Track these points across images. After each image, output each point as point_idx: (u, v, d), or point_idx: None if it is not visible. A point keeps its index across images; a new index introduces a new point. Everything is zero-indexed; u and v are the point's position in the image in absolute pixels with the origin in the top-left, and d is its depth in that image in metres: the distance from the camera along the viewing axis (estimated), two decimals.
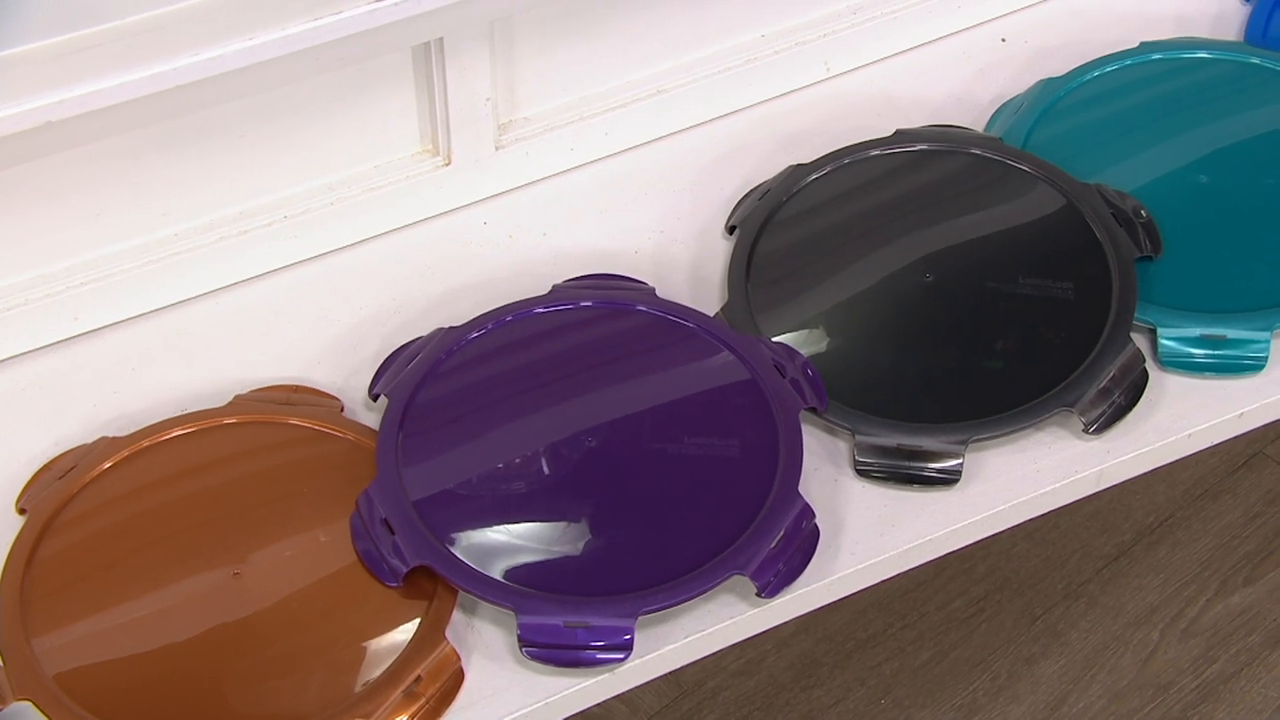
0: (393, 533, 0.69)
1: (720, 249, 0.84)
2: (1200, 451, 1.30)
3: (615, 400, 0.73)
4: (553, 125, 0.85)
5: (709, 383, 0.75)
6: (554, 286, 0.80)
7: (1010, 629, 1.20)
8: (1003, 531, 0.74)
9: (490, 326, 0.75)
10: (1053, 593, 1.24)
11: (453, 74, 0.78)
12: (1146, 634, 1.20)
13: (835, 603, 1.27)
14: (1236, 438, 1.33)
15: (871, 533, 0.73)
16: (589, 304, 0.76)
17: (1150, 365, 0.77)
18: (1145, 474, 1.31)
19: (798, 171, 0.84)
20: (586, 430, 0.72)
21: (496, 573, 0.68)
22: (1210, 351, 0.76)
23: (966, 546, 0.73)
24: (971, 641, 1.19)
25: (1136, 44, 0.89)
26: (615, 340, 0.76)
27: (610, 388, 0.74)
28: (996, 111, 0.88)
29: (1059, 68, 0.90)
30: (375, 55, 0.76)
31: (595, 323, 0.76)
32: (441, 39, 0.77)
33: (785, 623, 1.23)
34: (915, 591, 1.23)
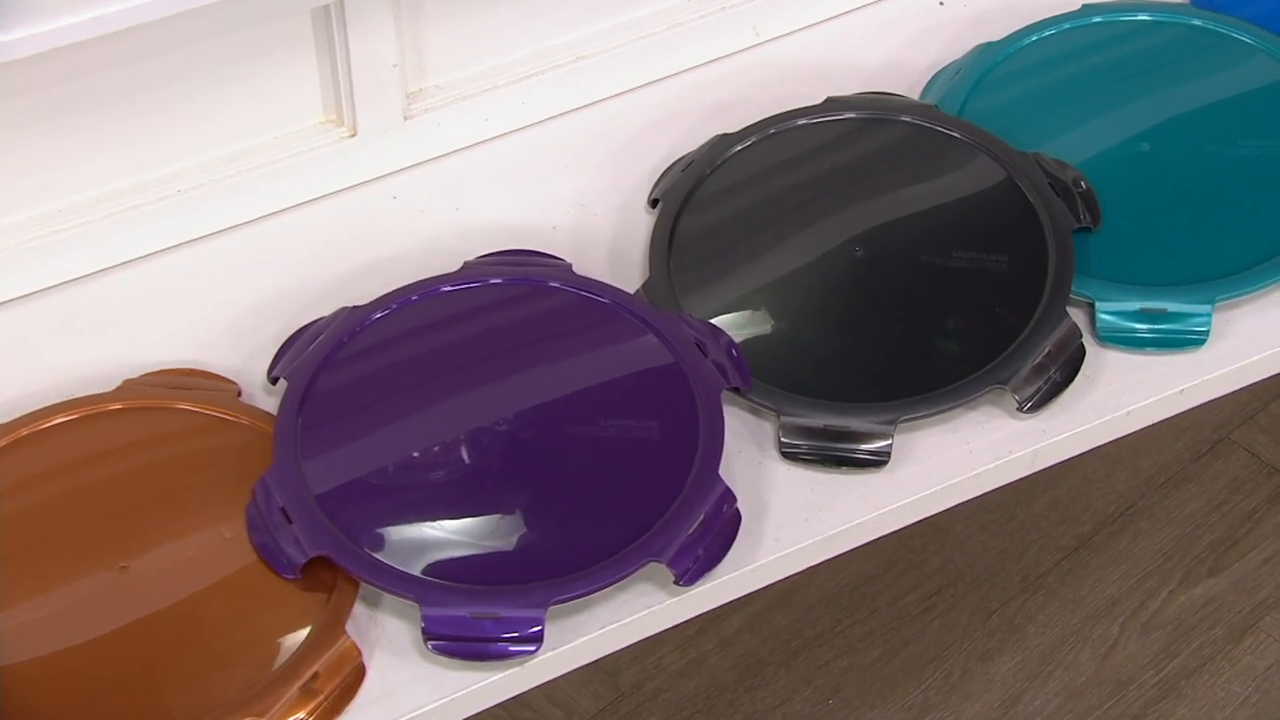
0: (290, 522, 0.70)
1: (643, 224, 0.85)
2: (1161, 436, 1.35)
3: (527, 382, 0.75)
4: (465, 94, 0.86)
5: (627, 363, 0.76)
6: (465, 263, 0.81)
7: (964, 624, 1.22)
8: (936, 515, 0.76)
9: (395, 306, 0.76)
10: (1009, 586, 1.26)
11: (355, 39, 0.79)
12: (1106, 628, 1.22)
13: (781, 599, 1.28)
14: (1202, 422, 1.39)
15: (797, 517, 0.74)
16: (499, 281, 0.77)
17: (1088, 341, 0.79)
18: (1107, 461, 1.36)
19: (723, 142, 0.86)
20: (495, 414, 0.73)
21: (399, 563, 0.69)
22: (1150, 326, 0.78)
23: (896, 531, 0.75)
24: (924, 638, 1.21)
25: (1078, 6, 0.91)
26: (527, 319, 0.77)
27: (522, 369, 0.75)
28: (932, 78, 0.90)
29: (998, 32, 0.91)
30: (272, 18, 0.77)
31: (507, 301, 0.77)
32: (342, 1, 0.78)
33: (728, 621, 1.24)
34: (865, 586, 1.24)
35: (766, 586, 1.27)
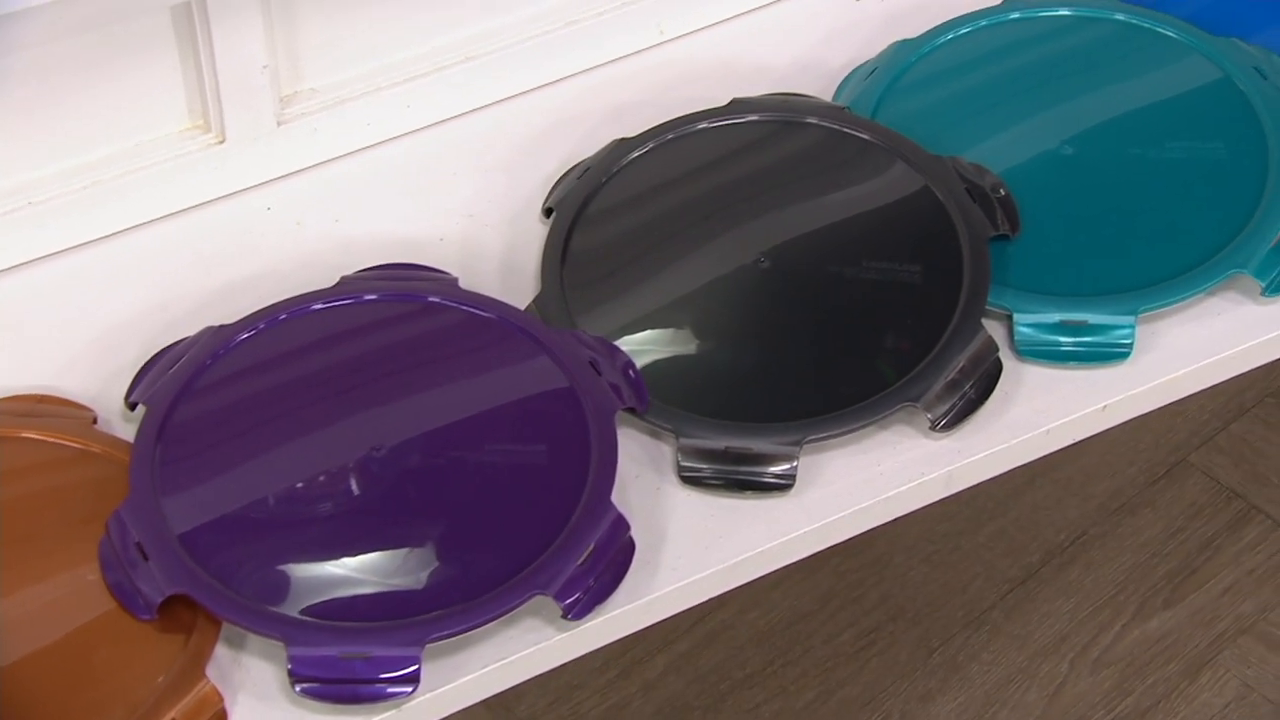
0: (146, 558, 0.70)
1: (537, 235, 0.86)
2: (1115, 459, 1.37)
3: (404, 406, 0.75)
4: (345, 97, 0.87)
5: (514, 383, 0.77)
6: (342, 279, 0.81)
7: (904, 663, 1.23)
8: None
9: (262, 325, 0.77)
10: (952, 622, 1.27)
11: (220, 39, 0.80)
12: (1055, 665, 1.24)
13: (708, 639, 1.29)
14: (1158, 444, 1.41)
15: (696, 545, 0.75)
16: (375, 298, 0.78)
17: (1007, 355, 0.80)
18: (1057, 487, 1.37)
19: (621, 147, 0.87)
20: (370, 441, 0.74)
21: (264, 601, 0.70)
22: (1071, 339, 0.80)
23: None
24: (861, 678, 1.22)
25: (999, 2, 0.93)
26: (407, 338, 0.78)
27: (399, 391, 0.76)
28: (845, 79, 0.92)
29: (916, 29, 0.93)
30: (127, 16, 0.78)
31: (384, 319, 0.78)
32: None
33: (651, 662, 1.25)
34: (799, 624, 1.26)
35: (693, 625, 1.27)
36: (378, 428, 0.74)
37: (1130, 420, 1.40)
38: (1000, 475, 1.37)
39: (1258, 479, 1.40)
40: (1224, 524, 1.33)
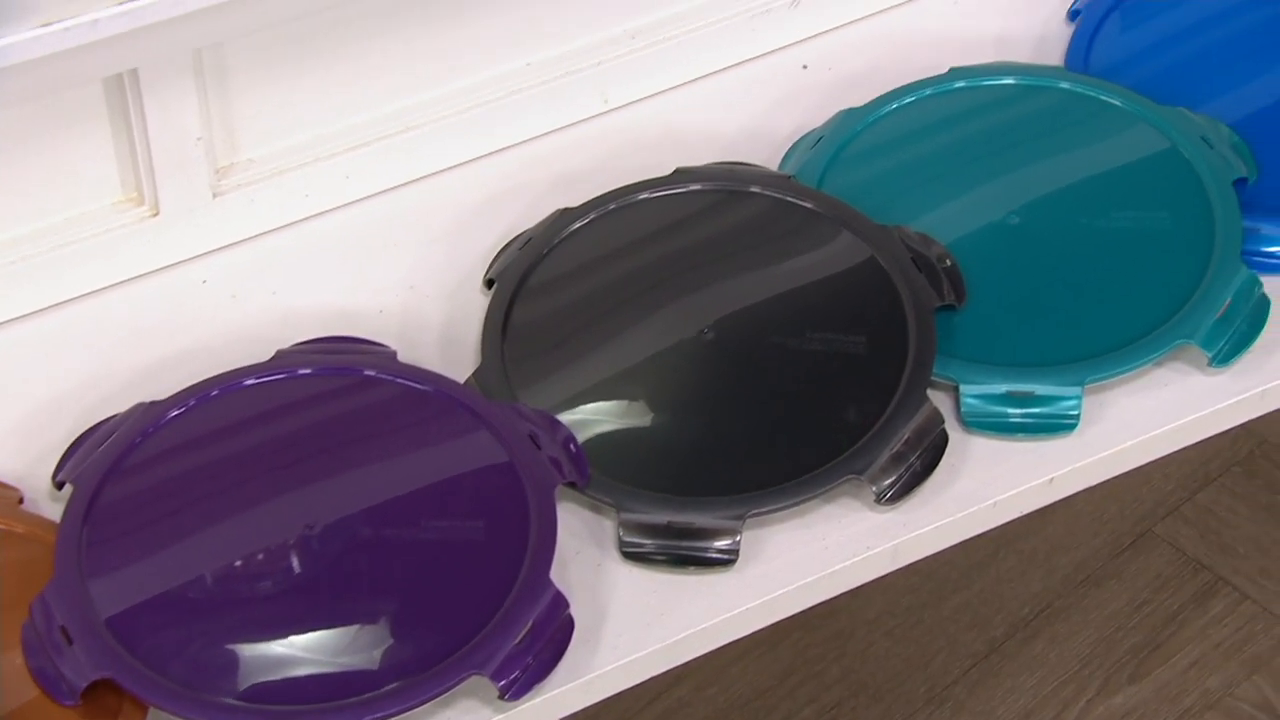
0: (71, 643, 0.70)
1: (478, 306, 0.87)
2: (1080, 530, 1.38)
3: (339, 482, 0.76)
4: (282, 168, 0.88)
5: (452, 458, 0.77)
6: (277, 352, 0.82)
7: None
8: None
9: (194, 402, 0.77)
10: (914, 698, 1.27)
11: (153, 110, 0.81)
12: None
13: (666, 716, 1.28)
14: (1123, 514, 1.42)
15: (637, 623, 0.75)
16: (309, 372, 0.78)
17: (954, 426, 0.81)
18: (1021, 558, 1.38)
19: (564, 217, 0.88)
20: (304, 519, 0.74)
21: (192, 685, 0.69)
22: (1017, 410, 0.81)
23: (747, 636, 0.76)
24: None
25: (947, 70, 0.95)
26: (342, 413, 0.78)
27: (333, 467, 0.76)
28: (792, 146, 0.93)
29: (863, 97, 0.95)
30: (56, 90, 0.79)
31: (319, 394, 0.79)
32: (135, 70, 0.80)
33: None
34: (758, 700, 1.26)
35: (650, 701, 1.27)
36: (311, 505, 0.75)
37: (1095, 489, 1.42)
38: (964, 546, 1.39)
39: (1224, 549, 1.40)
40: (1190, 596, 1.34)
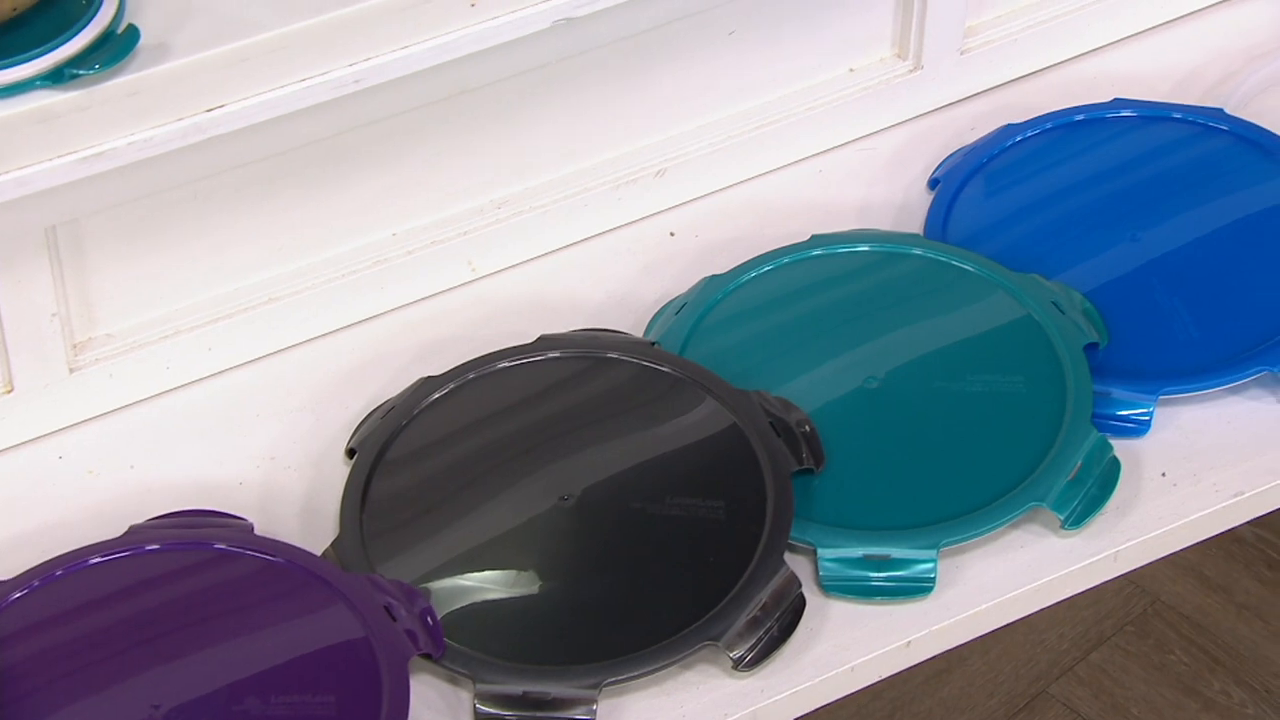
0: None
1: (340, 476, 0.88)
2: (975, 692, 1.40)
3: (188, 659, 0.77)
4: (142, 342, 0.90)
5: (305, 631, 0.79)
6: (131, 528, 0.83)
7: None
8: None
9: (37, 583, 0.78)
10: None
11: (6, 288, 0.83)
12: None
13: None
14: (1018, 675, 1.44)
15: None
16: (158, 548, 0.80)
17: (813, 591, 0.84)
18: None
19: (425, 386, 0.91)
20: (150, 699, 0.75)
21: None
22: (874, 573, 0.83)
23: None
24: None
25: (808, 237, 0.99)
26: (192, 588, 0.79)
27: (182, 645, 0.77)
28: (656, 313, 0.96)
29: (728, 263, 0.99)
30: None
31: (169, 570, 0.80)
32: None
33: None
34: None
35: None
36: (158, 686, 0.75)
37: (991, 649, 1.45)
38: (859, 712, 1.41)
39: (1117, 709, 1.43)
40: None
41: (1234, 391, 0.91)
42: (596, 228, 1.02)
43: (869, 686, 0.82)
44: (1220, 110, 1.03)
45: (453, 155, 0.96)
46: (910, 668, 0.83)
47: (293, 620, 0.79)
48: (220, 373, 0.93)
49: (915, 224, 1.02)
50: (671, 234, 1.03)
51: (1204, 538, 0.87)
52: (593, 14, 0.90)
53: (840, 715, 1.40)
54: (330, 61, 0.81)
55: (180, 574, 0.79)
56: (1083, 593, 1.45)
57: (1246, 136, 1.01)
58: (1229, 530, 1.46)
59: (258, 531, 0.84)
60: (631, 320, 0.98)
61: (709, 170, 1.04)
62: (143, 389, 0.90)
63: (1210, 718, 1.41)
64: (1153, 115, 1.03)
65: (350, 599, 0.80)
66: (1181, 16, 1.13)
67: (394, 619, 0.79)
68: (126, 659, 0.76)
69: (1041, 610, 1.40)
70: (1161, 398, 0.89)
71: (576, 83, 0.99)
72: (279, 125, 0.85)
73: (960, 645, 0.83)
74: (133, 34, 0.78)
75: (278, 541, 0.82)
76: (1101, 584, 0.85)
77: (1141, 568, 0.86)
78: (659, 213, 1.03)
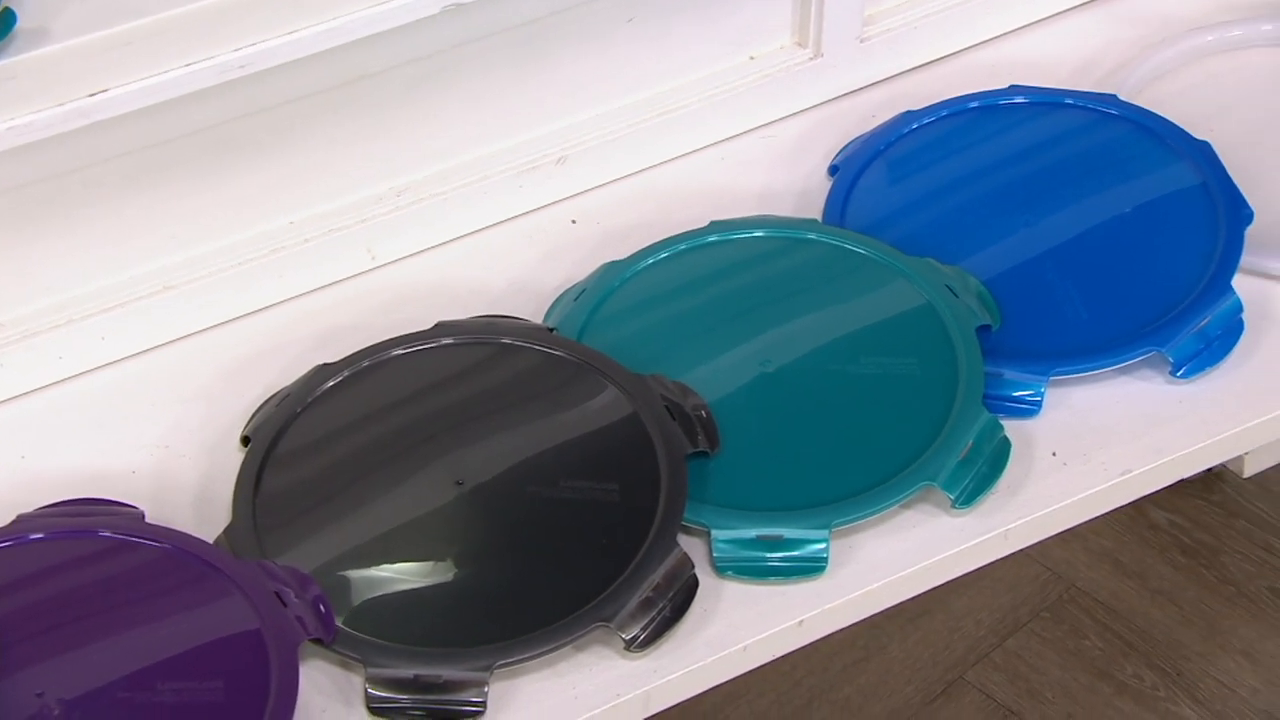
0: None
1: (235, 464, 0.88)
2: (892, 679, 1.41)
3: (75, 648, 0.76)
4: (33, 331, 0.90)
5: (193, 617, 0.78)
6: (18, 517, 0.83)
7: None
8: None
9: None
10: None
11: None
12: None
13: None
14: (934, 661, 1.45)
15: None
16: (41, 536, 0.79)
17: (708, 572, 0.84)
18: (835, 708, 1.40)
19: (321, 373, 0.90)
20: (35, 688, 0.74)
21: None
22: (767, 554, 0.84)
23: None
24: None
25: (707, 223, 0.99)
26: (77, 576, 0.79)
27: (68, 633, 0.76)
28: (556, 300, 0.97)
29: (628, 250, 0.99)
30: None
31: (55, 560, 0.79)
32: None
33: None
34: None
35: None
36: (44, 675, 0.75)
37: (910, 635, 1.46)
38: (778, 698, 1.41)
39: (1032, 694, 1.44)
40: None
41: (1124, 372, 0.92)
42: (498, 215, 1.02)
43: (762, 666, 0.82)
44: (1113, 96, 1.04)
45: (352, 142, 0.96)
46: (803, 647, 0.83)
47: (181, 606, 0.78)
48: (114, 362, 0.92)
49: (816, 210, 1.02)
50: (573, 221, 1.03)
51: (1093, 516, 0.87)
52: (485, 0, 0.91)
53: (759, 704, 1.41)
54: (216, 46, 0.81)
55: (67, 562, 0.79)
56: (992, 575, 1.46)
57: (1138, 122, 1.02)
58: (1142, 516, 1.49)
59: (149, 519, 0.84)
60: (533, 307, 0.97)
61: (611, 158, 1.04)
62: (35, 379, 0.90)
63: (1123, 701, 1.43)
64: (1047, 101, 1.04)
65: (240, 585, 0.79)
66: (1078, 5, 1.14)
67: (285, 604, 0.79)
68: (10, 647, 0.75)
69: (958, 596, 1.43)
70: (1053, 378, 0.90)
71: (476, 69, 0.99)
72: (169, 110, 0.85)
73: (854, 624, 0.84)
74: (9, 17, 0.78)
75: (167, 528, 0.81)
76: (994, 562, 0.86)
77: (1033, 545, 0.87)
78: (560, 200, 1.04)
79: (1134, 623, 1.48)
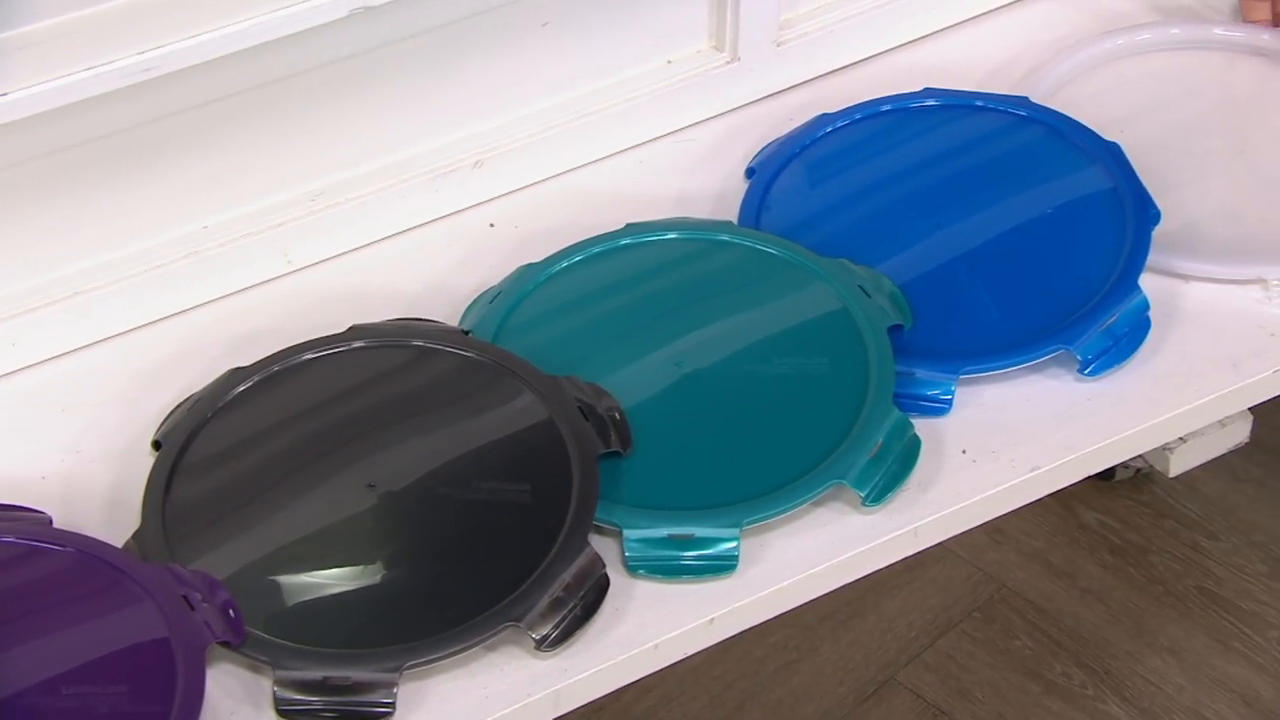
0: None
1: (147, 469, 0.88)
2: (824, 680, 1.41)
3: None
4: None
5: (99, 622, 0.78)
6: None
7: None
8: None
9: None
10: None
11: None
12: None
13: None
14: (866, 662, 1.46)
15: None
16: None
17: (620, 572, 0.85)
18: (766, 710, 1.41)
19: (234, 377, 0.90)
20: None
21: None
22: (678, 553, 0.84)
23: None
24: None
25: (624, 225, 1.00)
26: None
27: None
28: (472, 303, 0.97)
29: (549, 253, 0.99)
30: None
31: None
32: None
33: None
34: None
35: None
36: None
37: (843, 636, 1.46)
38: (710, 700, 1.41)
39: (962, 694, 1.45)
40: None
41: (1033, 370, 0.92)
42: (414, 219, 1.02)
43: (673, 665, 0.82)
44: (1025, 99, 1.05)
45: (267, 146, 0.96)
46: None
47: (86, 611, 0.78)
48: (25, 368, 0.92)
49: (733, 213, 1.03)
50: (491, 225, 1.03)
51: (1001, 512, 0.88)
52: (396, 3, 0.90)
53: (692, 708, 1.41)
54: (119, 49, 0.81)
55: None
56: (924, 576, 1.46)
57: (1049, 124, 1.03)
58: (1072, 516, 1.50)
59: (58, 524, 0.83)
60: (449, 311, 0.97)
61: (528, 162, 1.04)
62: None
63: (1052, 700, 1.43)
64: (959, 104, 1.04)
65: (147, 588, 0.79)
66: (993, 10, 1.15)
67: (192, 608, 0.78)
68: None
69: (890, 598, 1.44)
70: (964, 377, 0.91)
71: (391, 73, 0.99)
72: (77, 114, 0.84)
73: (764, 621, 0.84)
74: None
75: (73, 533, 0.81)
76: (902, 559, 0.86)
77: (941, 543, 0.88)
78: (478, 204, 1.04)
79: (1063, 622, 1.49)
